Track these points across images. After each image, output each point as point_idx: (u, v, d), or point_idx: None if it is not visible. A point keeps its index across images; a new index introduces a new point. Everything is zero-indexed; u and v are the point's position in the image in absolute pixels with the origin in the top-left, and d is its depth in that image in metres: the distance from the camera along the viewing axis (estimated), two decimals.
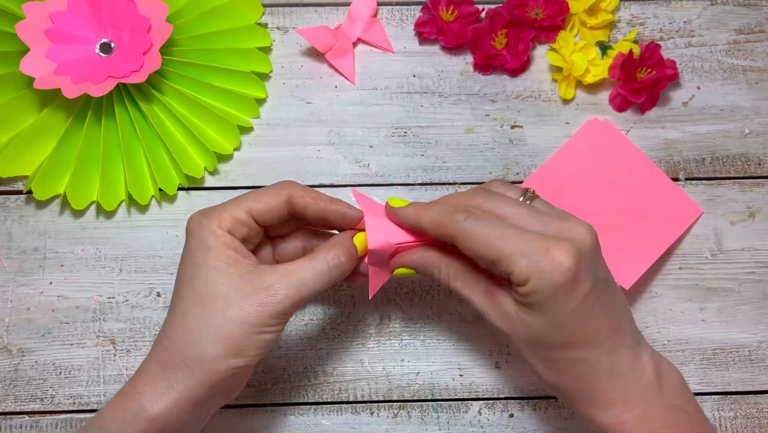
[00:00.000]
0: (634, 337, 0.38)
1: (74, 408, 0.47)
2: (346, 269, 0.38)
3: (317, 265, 0.37)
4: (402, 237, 0.39)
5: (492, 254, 0.35)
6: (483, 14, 0.52)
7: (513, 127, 0.52)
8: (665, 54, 0.52)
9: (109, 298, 0.49)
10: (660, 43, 0.52)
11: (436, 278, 0.39)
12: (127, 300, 0.49)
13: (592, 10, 0.52)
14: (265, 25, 0.53)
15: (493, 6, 0.52)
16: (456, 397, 0.48)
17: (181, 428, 0.36)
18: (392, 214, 0.39)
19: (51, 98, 0.48)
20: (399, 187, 0.51)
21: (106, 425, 0.35)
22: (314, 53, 0.52)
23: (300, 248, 0.42)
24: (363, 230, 0.39)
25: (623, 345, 0.37)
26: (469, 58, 0.53)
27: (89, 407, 0.47)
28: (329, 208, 0.38)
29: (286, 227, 0.42)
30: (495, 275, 0.39)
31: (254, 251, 0.40)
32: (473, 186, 0.50)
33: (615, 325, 0.37)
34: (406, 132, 0.51)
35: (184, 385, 0.35)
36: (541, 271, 0.34)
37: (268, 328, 0.36)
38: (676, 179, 0.51)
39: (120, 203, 0.50)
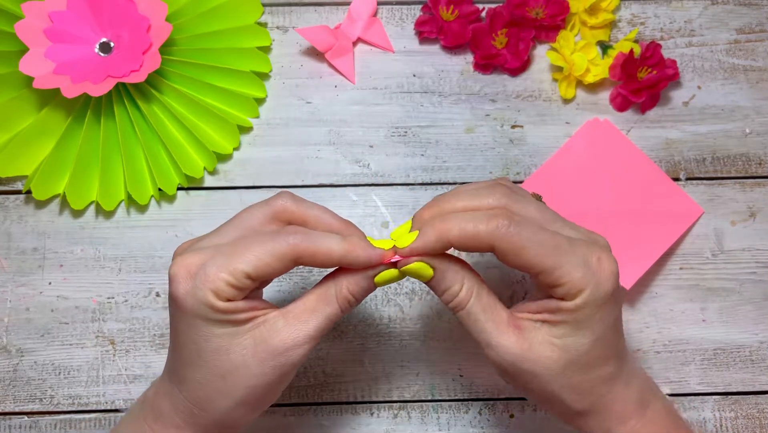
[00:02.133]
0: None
1: (73, 408, 0.47)
2: (357, 303, 0.36)
3: (331, 310, 0.34)
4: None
5: (545, 263, 0.32)
6: (483, 14, 0.52)
7: (513, 126, 0.52)
8: (666, 53, 0.52)
9: (108, 298, 0.49)
10: (660, 42, 0.52)
11: (455, 292, 0.34)
12: (126, 300, 0.49)
13: (592, 10, 0.52)
14: (264, 25, 0.53)
15: (493, 5, 0.51)
16: (456, 397, 0.48)
17: None
18: (405, 250, 0.33)
19: (50, 98, 0.48)
20: (399, 187, 0.50)
21: None
22: (314, 53, 0.52)
23: None
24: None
25: (625, 350, 0.36)
26: (470, 57, 0.52)
27: (88, 408, 0.47)
28: (344, 262, 0.34)
29: None
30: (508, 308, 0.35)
31: None
32: None
33: (621, 331, 0.36)
34: (406, 132, 0.51)
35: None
36: (598, 282, 0.32)
37: (288, 380, 0.36)
38: (676, 179, 0.51)
39: (119, 203, 0.50)
